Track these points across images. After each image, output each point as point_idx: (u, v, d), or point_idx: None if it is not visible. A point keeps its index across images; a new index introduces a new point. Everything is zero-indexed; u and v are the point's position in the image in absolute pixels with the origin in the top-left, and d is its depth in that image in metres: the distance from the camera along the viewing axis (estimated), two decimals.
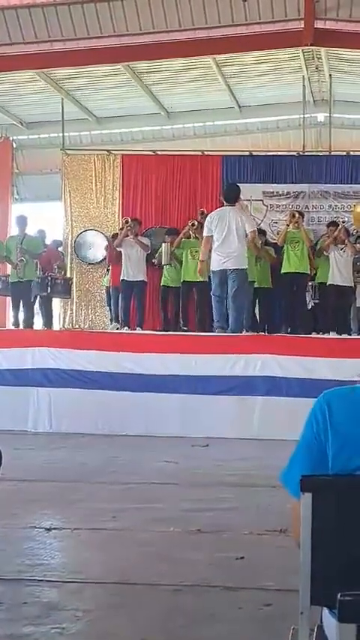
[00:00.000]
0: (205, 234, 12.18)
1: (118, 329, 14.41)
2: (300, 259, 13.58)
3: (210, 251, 12.01)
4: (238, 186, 12.86)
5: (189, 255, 14.05)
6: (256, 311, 14.22)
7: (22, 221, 14.41)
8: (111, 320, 15.30)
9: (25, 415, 11.69)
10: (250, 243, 12.44)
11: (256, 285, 13.55)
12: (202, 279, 12.94)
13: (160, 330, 14.11)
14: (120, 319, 14.45)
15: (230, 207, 12.15)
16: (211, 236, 11.93)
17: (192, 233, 14.18)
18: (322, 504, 2.29)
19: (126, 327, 14.02)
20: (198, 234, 13.75)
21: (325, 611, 2.40)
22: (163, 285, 14.75)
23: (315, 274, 14.11)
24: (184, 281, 14.24)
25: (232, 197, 12.32)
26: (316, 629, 2.45)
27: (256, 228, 12.73)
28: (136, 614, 4.35)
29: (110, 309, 15.57)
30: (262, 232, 14.21)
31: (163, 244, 14.54)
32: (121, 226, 14.86)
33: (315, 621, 2.47)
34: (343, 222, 14.10)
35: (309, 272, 13.82)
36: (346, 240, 13.51)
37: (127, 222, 14.41)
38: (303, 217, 14.06)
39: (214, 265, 11.99)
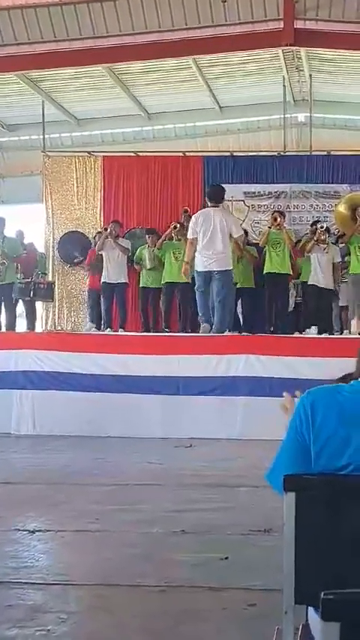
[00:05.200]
0: (189, 235, 12.11)
1: (93, 330, 14.43)
2: (281, 260, 13.61)
3: (195, 252, 12.00)
4: (222, 187, 12.78)
5: (171, 256, 14.00)
6: (239, 311, 14.21)
7: (1, 223, 14.29)
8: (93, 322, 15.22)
9: (8, 418, 11.63)
10: (235, 245, 12.43)
11: (238, 285, 13.53)
12: (185, 281, 12.92)
13: (142, 332, 14.09)
14: (102, 321, 14.43)
15: (214, 207, 12.10)
16: (196, 238, 11.90)
17: (174, 235, 14.14)
18: (305, 503, 2.30)
19: (108, 329, 14.00)
20: (181, 235, 13.70)
21: (311, 609, 2.41)
22: (143, 287, 14.74)
23: (299, 274, 14.14)
24: (166, 282, 14.20)
25: (216, 197, 12.23)
26: (301, 628, 2.46)
27: (243, 233, 12.70)
28: (120, 616, 4.34)
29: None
30: (244, 232, 14.18)
31: (145, 250, 14.52)
32: (102, 231, 14.82)
33: (301, 620, 2.48)
34: (323, 225, 13.91)
35: (291, 272, 13.85)
36: (326, 240, 13.51)
37: (106, 229, 14.44)
38: (284, 218, 14.08)
39: (199, 266, 11.96)
